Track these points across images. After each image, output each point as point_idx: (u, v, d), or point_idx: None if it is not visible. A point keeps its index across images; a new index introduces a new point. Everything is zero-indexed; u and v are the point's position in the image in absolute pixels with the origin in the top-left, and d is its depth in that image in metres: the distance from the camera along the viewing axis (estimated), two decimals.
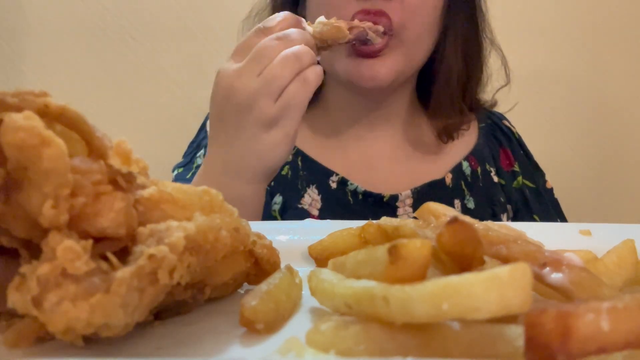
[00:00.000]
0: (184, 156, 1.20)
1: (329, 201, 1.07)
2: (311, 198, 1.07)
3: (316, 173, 1.08)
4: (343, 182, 1.08)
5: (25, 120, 0.29)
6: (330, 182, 1.08)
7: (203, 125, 1.22)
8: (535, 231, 0.51)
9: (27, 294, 0.29)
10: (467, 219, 0.46)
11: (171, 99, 1.63)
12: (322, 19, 0.83)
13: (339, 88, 1.13)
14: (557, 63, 1.69)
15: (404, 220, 0.45)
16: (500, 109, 1.29)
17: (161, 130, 1.61)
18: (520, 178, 1.18)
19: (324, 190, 1.07)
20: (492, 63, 1.22)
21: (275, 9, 1.18)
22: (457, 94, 1.14)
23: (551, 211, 1.18)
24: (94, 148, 0.34)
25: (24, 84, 1.31)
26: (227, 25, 1.33)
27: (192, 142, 1.22)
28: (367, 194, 1.07)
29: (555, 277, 0.35)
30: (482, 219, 1.15)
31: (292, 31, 0.77)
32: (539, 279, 0.35)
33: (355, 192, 1.08)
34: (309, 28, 0.81)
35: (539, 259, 0.36)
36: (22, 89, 0.32)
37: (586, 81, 1.70)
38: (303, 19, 0.82)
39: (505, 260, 0.37)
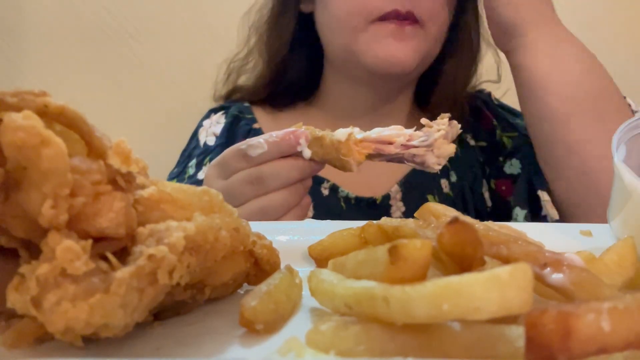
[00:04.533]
0: (177, 165, 1.20)
1: (321, 209, 1.06)
2: None
3: None
4: (334, 188, 1.07)
5: (25, 120, 0.29)
6: (322, 189, 1.07)
7: (195, 134, 1.22)
8: (536, 231, 0.51)
9: (27, 294, 0.29)
10: (468, 219, 0.46)
11: (171, 99, 1.62)
12: (339, 134, 0.66)
13: (343, 85, 1.13)
14: None
15: (404, 221, 0.45)
16: None
17: (161, 130, 1.61)
18: (498, 131, 1.18)
19: (315, 197, 1.06)
20: (485, 62, 1.24)
21: (276, 2, 1.17)
22: (460, 91, 1.17)
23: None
24: (93, 148, 0.34)
25: (24, 84, 1.31)
26: (227, 25, 1.33)
27: (184, 151, 1.21)
28: (359, 199, 1.07)
29: (556, 277, 0.35)
30: (463, 187, 1.15)
31: (272, 174, 0.68)
32: (539, 279, 0.35)
33: (347, 198, 1.07)
34: (307, 151, 0.67)
35: (540, 259, 0.36)
36: (22, 88, 0.32)
37: None
38: (303, 139, 0.67)
39: (505, 260, 0.37)
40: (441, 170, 1.09)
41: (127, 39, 1.61)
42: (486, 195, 1.14)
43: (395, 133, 0.66)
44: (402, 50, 0.99)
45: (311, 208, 1.06)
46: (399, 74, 1.02)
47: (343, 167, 0.67)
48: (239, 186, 0.69)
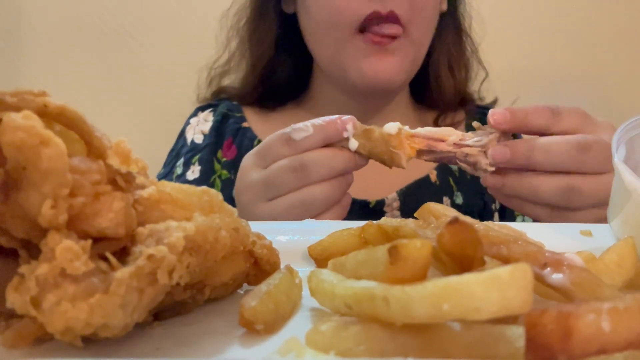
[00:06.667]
0: (164, 165, 1.18)
1: None
2: None
3: None
4: None
5: (25, 120, 0.29)
6: None
7: (182, 132, 1.21)
8: (536, 231, 0.51)
9: (26, 294, 0.29)
10: (468, 219, 0.46)
11: (170, 99, 1.63)
12: (390, 127, 0.64)
13: (332, 91, 1.12)
14: (557, 62, 1.69)
15: (404, 220, 0.45)
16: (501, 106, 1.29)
17: (160, 130, 1.61)
18: None
19: None
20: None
21: (256, 4, 1.15)
22: (459, 82, 1.17)
23: None
24: (93, 148, 0.34)
25: (24, 84, 1.31)
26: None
27: (172, 151, 1.20)
28: (352, 202, 1.04)
29: (556, 277, 0.35)
30: (472, 211, 1.14)
31: (316, 162, 0.65)
32: (539, 279, 0.35)
33: None
34: (354, 142, 0.65)
35: (540, 260, 0.36)
36: (22, 88, 0.32)
37: (587, 80, 1.70)
38: (350, 125, 0.65)
39: (505, 260, 0.37)
40: (444, 187, 1.09)
41: (127, 39, 1.61)
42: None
43: (447, 132, 0.64)
44: (388, 67, 0.97)
45: None
46: (386, 90, 1.01)
47: (392, 160, 0.64)
48: (281, 174, 0.67)
